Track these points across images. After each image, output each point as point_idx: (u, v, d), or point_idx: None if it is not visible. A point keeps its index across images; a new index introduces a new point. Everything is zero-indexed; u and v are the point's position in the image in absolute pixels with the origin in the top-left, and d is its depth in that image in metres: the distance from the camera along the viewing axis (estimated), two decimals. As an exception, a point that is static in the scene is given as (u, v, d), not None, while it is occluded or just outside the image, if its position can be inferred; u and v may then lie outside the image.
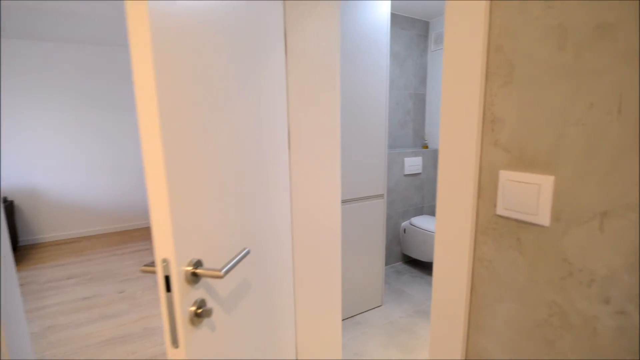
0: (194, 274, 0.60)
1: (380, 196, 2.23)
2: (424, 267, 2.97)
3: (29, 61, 3.56)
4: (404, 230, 2.93)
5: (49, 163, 3.77)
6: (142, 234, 4.11)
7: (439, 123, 3.10)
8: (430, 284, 2.65)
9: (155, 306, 2.46)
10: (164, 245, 0.56)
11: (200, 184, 0.64)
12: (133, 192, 4.24)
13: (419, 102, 3.12)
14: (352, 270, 2.19)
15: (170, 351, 0.59)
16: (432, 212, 3.19)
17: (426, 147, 3.10)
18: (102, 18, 2.87)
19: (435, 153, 3.11)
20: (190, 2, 0.60)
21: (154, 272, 0.60)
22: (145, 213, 4.35)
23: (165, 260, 0.56)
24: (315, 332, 1.53)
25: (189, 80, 0.61)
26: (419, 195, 3.07)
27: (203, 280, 0.65)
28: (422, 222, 2.81)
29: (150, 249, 3.60)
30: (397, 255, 3.05)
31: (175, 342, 0.59)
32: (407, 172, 2.91)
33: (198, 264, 0.62)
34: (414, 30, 2.97)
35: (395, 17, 2.82)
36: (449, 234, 0.68)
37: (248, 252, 0.70)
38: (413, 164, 2.94)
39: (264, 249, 1.01)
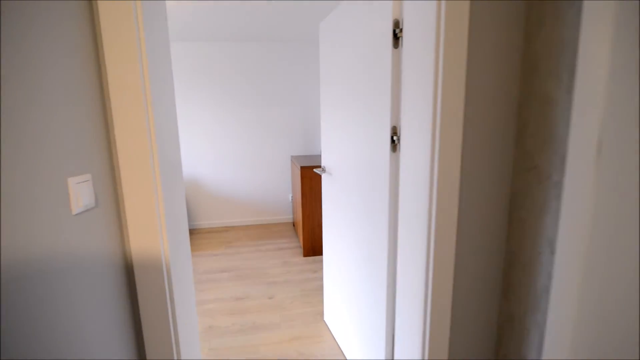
0: None
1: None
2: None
3: (192, 62, 3.79)
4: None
5: (208, 157, 4.02)
6: (280, 229, 4.08)
7: None
8: None
9: (306, 324, 2.21)
10: None
11: None
12: (276, 187, 4.25)
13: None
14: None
15: None
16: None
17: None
18: (257, 16, 2.73)
19: None
20: None
21: None
22: (285, 209, 4.32)
23: None
24: None
25: None
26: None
27: None
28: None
29: (290, 248, 3.48)
30: None
31: None
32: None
33: None
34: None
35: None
36: None
37: None
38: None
39: None
